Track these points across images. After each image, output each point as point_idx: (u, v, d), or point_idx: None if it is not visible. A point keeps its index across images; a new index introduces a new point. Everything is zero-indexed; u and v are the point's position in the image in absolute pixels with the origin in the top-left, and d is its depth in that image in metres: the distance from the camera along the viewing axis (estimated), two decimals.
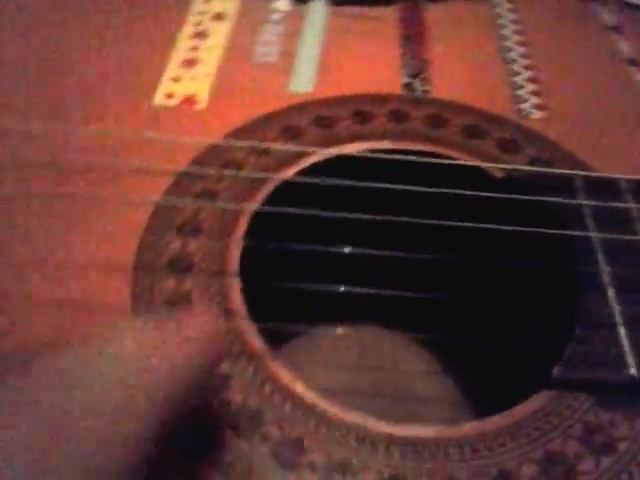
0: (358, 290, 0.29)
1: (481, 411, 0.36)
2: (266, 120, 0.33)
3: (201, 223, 0.28)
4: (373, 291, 0.29)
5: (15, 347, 0.24)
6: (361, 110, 0.34)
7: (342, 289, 0.31)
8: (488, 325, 0.34)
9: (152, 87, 0.34)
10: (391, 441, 0.22)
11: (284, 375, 0.23)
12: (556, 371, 0.23)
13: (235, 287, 0.26)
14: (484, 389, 0.35)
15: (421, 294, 0.28)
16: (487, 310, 0.34)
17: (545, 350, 0.25)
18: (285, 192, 0.30)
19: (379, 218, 0.29)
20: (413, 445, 0.22)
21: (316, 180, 0.29)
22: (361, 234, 0.31)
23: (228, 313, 0.25)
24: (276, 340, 0.26)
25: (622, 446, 0.22)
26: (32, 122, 0.31)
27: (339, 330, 0.37)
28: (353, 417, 0.22)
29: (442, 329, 0.30)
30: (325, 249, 0.29)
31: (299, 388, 0.23)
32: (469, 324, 0.33)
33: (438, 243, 0.30)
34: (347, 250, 0.31)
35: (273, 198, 0.30)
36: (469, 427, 0.22)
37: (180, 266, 0.27)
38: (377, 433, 0.22)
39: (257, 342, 0.24)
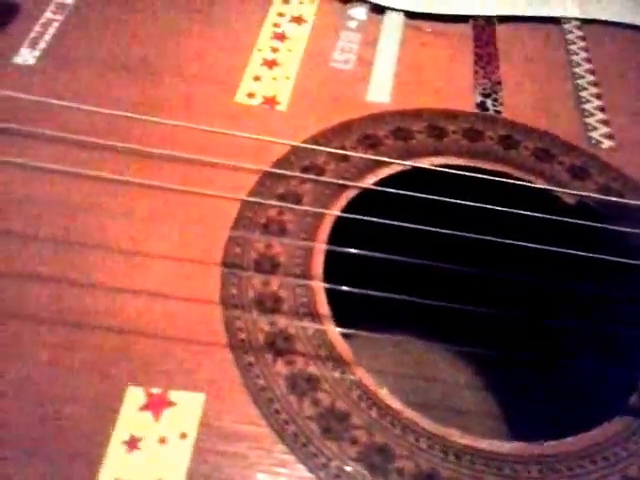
0: (403, 298, 0.30)
1: (520, 428, 0.37)
2: (345, 127, 0.34)
3: (285, 224, 0.29)
4: (420, 300, 0.30)
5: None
6: (436, 125, 0.35)
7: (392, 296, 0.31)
8: (535, 343, 0.35)
9: (234, 84, 0.35)
10: (474, 455, 0.22)
11: (370, 382, 0.24)
12: (634, 400, 0.24)
13: (321, 291, 0.26)
14: (523, 404, 0.36)
15: (474, 308, 0.29)
16: (538, 330, 0.35)
17: (615, 379, 0.26)
18: (364, 200, 0.31)
19: (449, 232, 0.30)
20: (495, 460, 0.22)
21: (396, 191, 0.30)
22: (426, 245, 0.32)
23: (316, 316, 0.26)
24: None
25: None
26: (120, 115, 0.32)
27: (379, 336, 0.38)
28: (437, 428, 0.23)
29: (488, 343, 0.30)
30: (388, 257, 0.30)
31: (385, 395, 0.23)
32: (518, 341, 0.34)
33: (498, 260, 0.31)
34: (406, 259, 0.32)
35: (353, 205, 0.30)
36: (549, 446, 0.23)
37: (266, 266, 0.27)
38: (461, 445, 0.23)
39: (343, 347, 0.25)
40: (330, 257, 0.28)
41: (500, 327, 0.33)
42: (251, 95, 0.35)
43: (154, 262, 0.27)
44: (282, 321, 0.25)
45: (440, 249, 0.31)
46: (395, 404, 0.23)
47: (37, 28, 0.36)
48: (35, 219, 0.28)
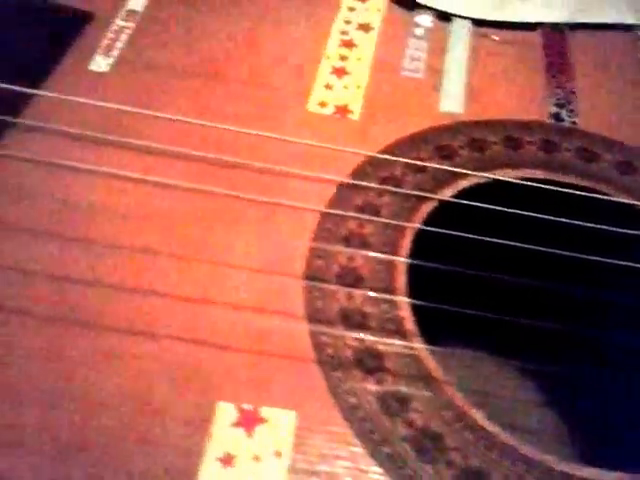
0: (485, 315, 0.29)
1: (581, 447, 0.36)
2: (419, 138, 0.33)
3: (366, 237, 0.29)
4: (496, 316, 0.29)
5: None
6: (512, 136, 0.34)
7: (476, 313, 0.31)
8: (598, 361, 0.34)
9: (305, 92, 0.35)
10: None
11: (463, 402, 0.23)
12: None
13: (406, 307, 0.26)
14: (583, 424, 0.35)
15: (546, 324, 0.29)
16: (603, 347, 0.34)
17: None
18: (442, 212, 0.30)
19: (530, 247, 0.29)
20: None
21: (476, 204, 0.30)
22: (503, 258, 0.31)
23: (403, 333, 0.25)
24: None
25: None
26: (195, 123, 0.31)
27: (458, 351, 0.37)
28: (534, 453, 0.22)
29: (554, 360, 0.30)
30: (471, 272, 0.29)
31: (480, 418, 0.23)
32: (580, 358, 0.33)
33: (577, 276, 0.30)
34: (485, 273, 0.32)
35: (432, 217, 0.30)
36: None
37: (349, 279, 0.27)
38: (559, 473, 0.22)
39: (433, 365, 0.24)
40: (411, 270, 0.28)
41: (569, 344, 0.33)
42: (323, 104, 0.34)
43: (235, 273, 0.27)
44: (369, 337, 0.25)
45: (517, 263, 0.30)
46: (491, 427, 0.23)
47: (110, 35, 0.36)
48: (115, 228, 0.28)
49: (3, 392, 0.23)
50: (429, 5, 0.40)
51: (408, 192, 0.30)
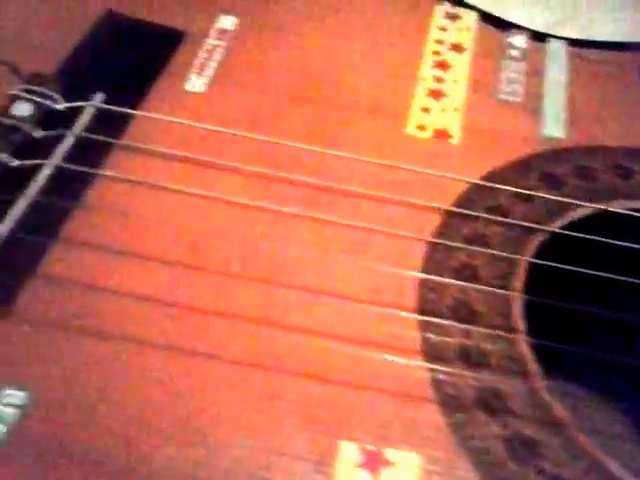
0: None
1: None
2: (523, 164, 0.32)
3: (477, 269, 0.28)
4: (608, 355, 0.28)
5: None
6: (620, 164, 0.33)
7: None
8: None
9: (402, 115, 0.34)
10: None
11: (597, 452, 0.22)
12: None
13: (527, 346, 0.25)
14: None
15: None
16: None
17: None
18: (554, 244, 0.29)
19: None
20: None
21: (591, 237, 0.28)
22: (615, 294, 0.30)
23: (525, 374, 0.24)
24: None
25: None
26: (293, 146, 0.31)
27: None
28: None
29: None
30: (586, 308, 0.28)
31: (617, 469, 0.22)
32: None
33: None
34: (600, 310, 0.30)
35: (544, 249, 0.29)
36: None
37: (463, 314, 0.26)
38: None
39: (560, 409, 0.23)
40: (527, 305, 0.27)
41: None
42: (422, 128, 0.33)
43: (345, 304, 0.26)
44: (490, 377, 0.24)
45: (630, 299, 0.29)
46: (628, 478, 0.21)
47: (203, 54, 0.36)
48: (224, 253, 0.28)
49: (130, 423, 0.23)
50: (520, 24, 0.39)
51: (518, 223, 0.29)
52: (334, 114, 0.34)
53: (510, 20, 0.40)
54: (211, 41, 0.37)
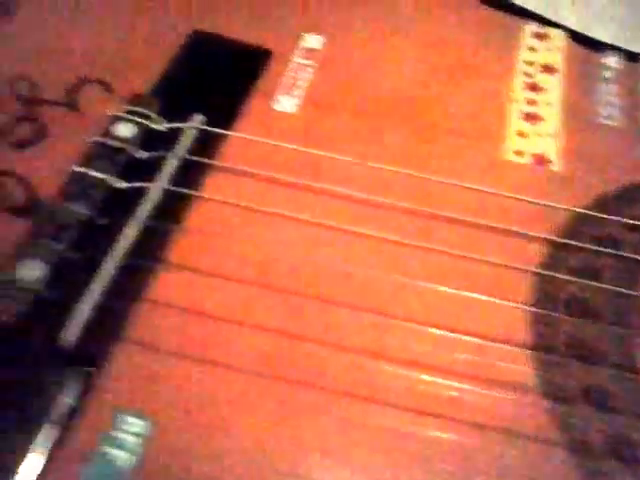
0: None
1: None
2: (628, 192, 0.31)
3: (590, 304, 0.27)
4: None
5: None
6: None
7: None
8: None
9: (498, 140, 0.33)
10: None
11: None
12: None
13: None
14: None
15: None
16: None
17: None
18: None
19: None
20: None
21: None
22: None
23: None
24: None
25: None
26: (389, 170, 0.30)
27: None
28: None
29: None
30: None
31: None
32: None
33: None
34: None
35: None
36: None
37: (581, 352, 0.25)
38: None
39: None
40: None
41: None
42: (519, 153, 0.32)
43: (452, 338, 0.26)
44: (619, 422, 0.23)
45: None
46: None
47: (291, 74, 0.35)
48: (319, 278, 0.27)
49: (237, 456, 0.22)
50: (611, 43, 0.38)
51: (630, 256, 0.28)
52: (430, 137, 0.33)
53: (603, 40, 0.39)
54: (298, 60, 0.37)
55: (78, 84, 0.33)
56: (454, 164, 0.32)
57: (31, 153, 0.31)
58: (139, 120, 0.30)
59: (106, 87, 0.34)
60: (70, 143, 0.31)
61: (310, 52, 0.37)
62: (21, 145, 0.31)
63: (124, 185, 0.28)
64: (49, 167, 0.30)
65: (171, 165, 0.29)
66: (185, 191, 0.29)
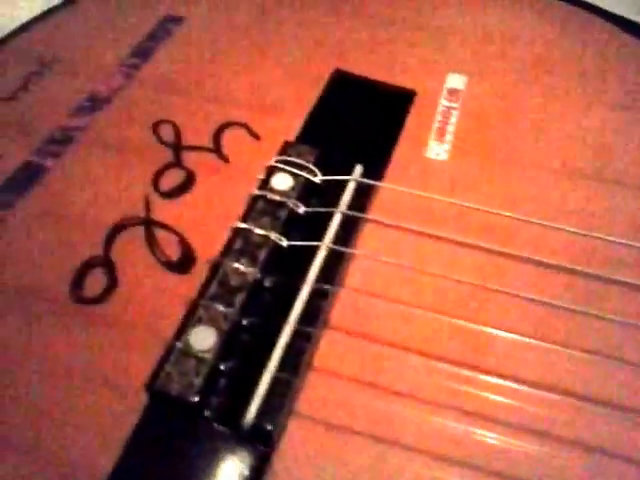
0: None
1: None
2: None
3: None
4: None
5: None
6: None
7: None
8: None
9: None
10: None
11: None
12: None
13: None
14: None
15: None
16: None
17: None
18: None
19: None
20: None
21: None
22: None
23: None
24: None
25: None
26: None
27: None
28: None
29: None
30: None
31: None
32: None
33: None
34: None
35: None
36: None
37: None
38: None
39: None
40: None
41: None
42: None
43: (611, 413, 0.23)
44: None
45: None
46: None
47: (439, 117, 0.33)
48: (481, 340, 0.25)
49: None
50: None
51: None
52: (600, 193, 0.30)
53: None
54: (444, 102, 0.34)
55: (221, 128, 0.32)
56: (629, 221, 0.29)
57: (181, 203, 0.29)
58: (295, 171, 0.28)
59: (250, 132, 0.33)
60: (221, 193, 0.29)
61: (454, 93, 0.35)
62: (170, 194, 0.29)
63: (288, 243, 0.26)
64: (202, 219, 0.28)
65: (336, 222, 0.27)
66: (351, 251, 0.27)
